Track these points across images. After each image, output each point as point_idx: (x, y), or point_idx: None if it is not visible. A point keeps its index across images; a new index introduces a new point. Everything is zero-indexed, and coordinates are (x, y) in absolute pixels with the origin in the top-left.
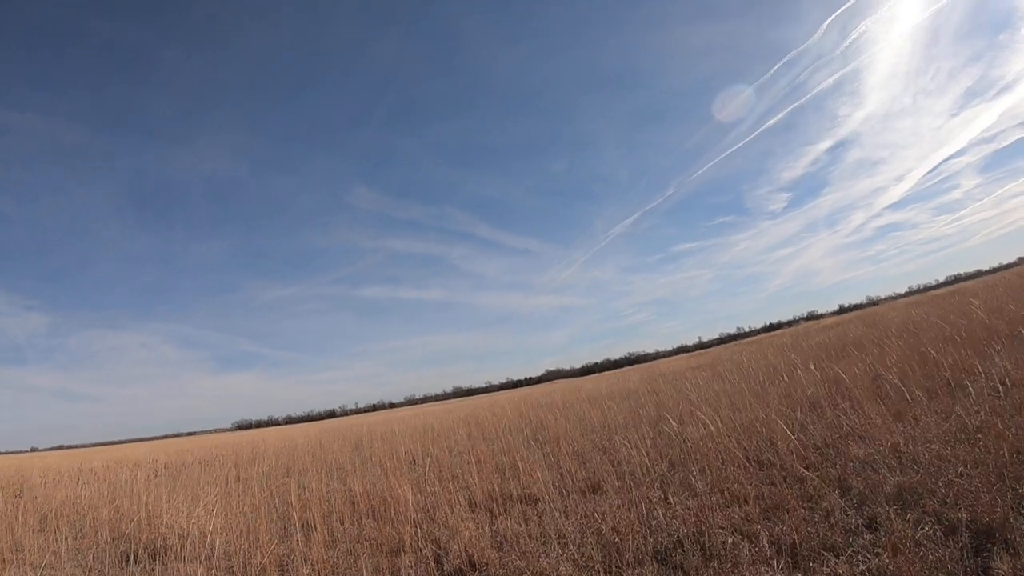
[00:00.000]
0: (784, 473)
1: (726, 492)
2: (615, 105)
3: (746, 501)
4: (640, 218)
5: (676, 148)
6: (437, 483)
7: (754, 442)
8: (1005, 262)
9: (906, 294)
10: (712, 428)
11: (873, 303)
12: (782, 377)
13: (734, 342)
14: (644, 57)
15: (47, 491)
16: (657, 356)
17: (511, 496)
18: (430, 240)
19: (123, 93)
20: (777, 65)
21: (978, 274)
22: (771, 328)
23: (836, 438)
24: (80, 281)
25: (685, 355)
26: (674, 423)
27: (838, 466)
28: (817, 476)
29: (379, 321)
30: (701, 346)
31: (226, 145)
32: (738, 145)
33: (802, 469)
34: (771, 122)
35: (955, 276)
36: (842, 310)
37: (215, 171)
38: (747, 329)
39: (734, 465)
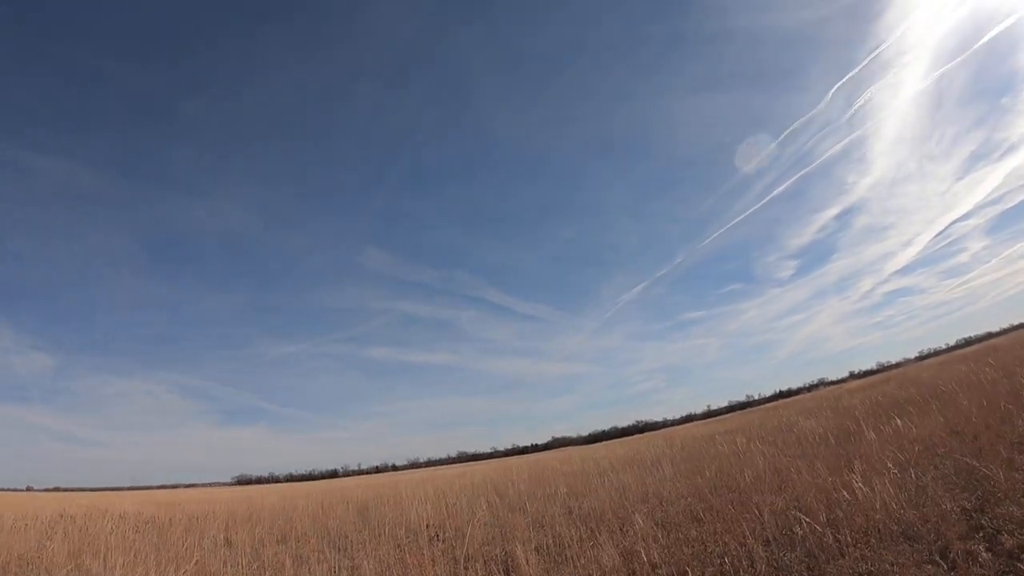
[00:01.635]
0: (940, 546)
1: None
2: (624, 173)
3: None
4: (649, 286)
5: (684, 216)
6: (467, 567)
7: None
8: (1016, 323)
9: (916, 359)
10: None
11: (884, 368)
12: (857, 436)
13: (745, 409)
14: (653, 126)
15: (9, 538)
16: (665, 424)
17: None
18: (440, 304)
19: (144, 141)
20: (784, 133)
21: (988, 336)
22: (781, 396)
23: (979, 501)
24: (89, 325)
25: (699, 422)
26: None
27: (1015, 535)
28: (989, 550)
29: (385, 382)
30: (710, 414)
31: (242, 199)
32: (746, 213)
33: (956, 541)
34: (779, 190)
35: (965, 340)
36: (853, 376)
37: (230, 224)
38: (756, 397)
39: (865, 541)
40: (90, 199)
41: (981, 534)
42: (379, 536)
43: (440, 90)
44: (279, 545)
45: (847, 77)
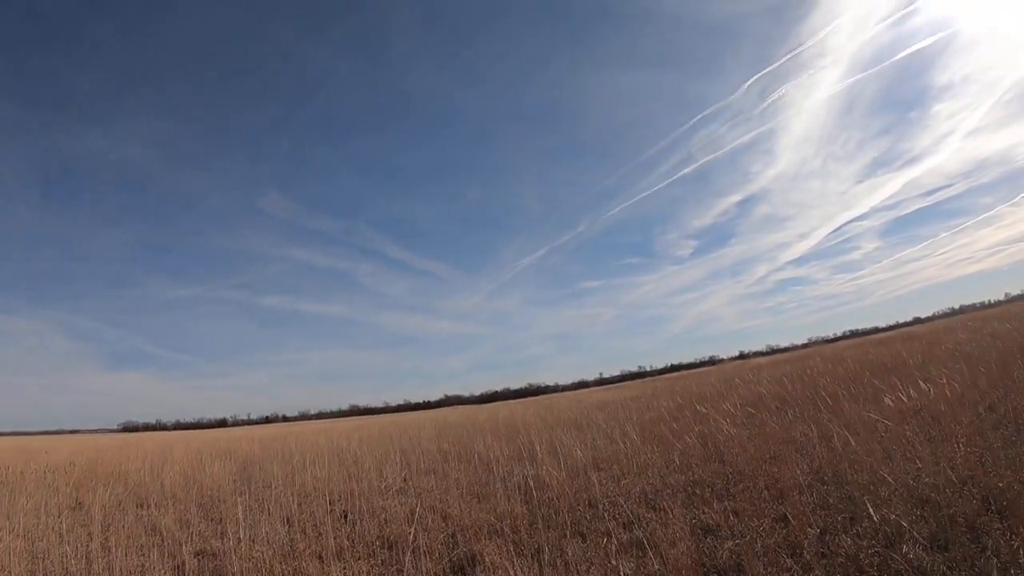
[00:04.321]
0: None
1: None
2: (534, 140)
3: None
4: (548, 252)
5: (590, 187)
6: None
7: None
8: (900, 320)
9: (804, 345)
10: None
11: (776, 351)
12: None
13: (642, 379)
14: (569, 96)
15: None
16: (557, 388)
17: None
18: (338, 254)
19: (43, 65)
20: (696, 117)
21: (875, 330)
22: (673, 369)
23: None
24: None
25: (595, 388)
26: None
27: None
28: None
29: (278, 332)
30: (602, 382)
31: (143, 132)
32: (652, 190)
33: None
34: (685, 171)
35: (851, 331)
36: (744, 355)
37: (128, 157)
38: (649, 368)
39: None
40: None
41: None
42: (263, 505)
43: (357, 39)
44: (138, 510)
45: (763, 72)
